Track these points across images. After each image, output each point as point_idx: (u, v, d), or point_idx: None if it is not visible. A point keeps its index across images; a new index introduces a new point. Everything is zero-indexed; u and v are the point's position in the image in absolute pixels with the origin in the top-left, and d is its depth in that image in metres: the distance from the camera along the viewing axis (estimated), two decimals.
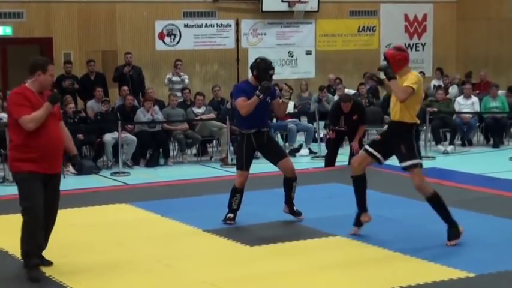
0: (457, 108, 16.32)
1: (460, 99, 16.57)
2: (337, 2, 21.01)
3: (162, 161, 14.21)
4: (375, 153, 7.74)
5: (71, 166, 12.09)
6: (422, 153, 8.59)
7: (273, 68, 8.50)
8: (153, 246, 7.76)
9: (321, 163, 13.23)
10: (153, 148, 14.22)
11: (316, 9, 20.39)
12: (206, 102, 15.59)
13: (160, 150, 14.26)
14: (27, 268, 6.65)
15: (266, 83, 8.24)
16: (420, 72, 11.89)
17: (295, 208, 8.71)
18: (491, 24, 21.37)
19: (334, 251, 7.54)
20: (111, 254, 7.50)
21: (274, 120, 15.14)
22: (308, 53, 20.81)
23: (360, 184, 7.85)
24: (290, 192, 8.64)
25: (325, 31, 20.90)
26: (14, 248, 7.39)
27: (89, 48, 18.27)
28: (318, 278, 6.66)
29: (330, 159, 12.65)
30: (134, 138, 13.90)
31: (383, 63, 7.71)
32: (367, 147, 7.87)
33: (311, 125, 16.06)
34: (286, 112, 11.04)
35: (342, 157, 12.86)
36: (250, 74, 8.73)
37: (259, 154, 8.69)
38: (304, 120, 16.92)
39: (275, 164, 8.64)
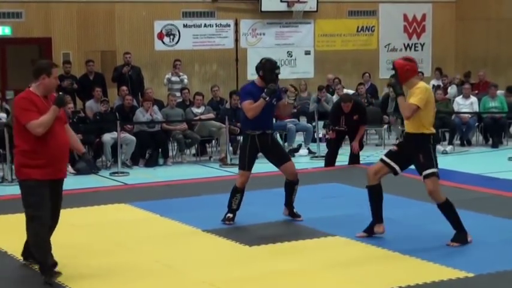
0: (456, 108, 16.32)
1: (459, 99, 16.58)
2: (336, 2, 21.02)
3: (161, 161, 14.21)
4: (392, 163, 7.70)
5: (70, 166, 12.07)
6: None
7: (278, 68, 8.52)
8: (152, 246, 7.76)
9: (320, 163, 13.22)
10: (152, 148, 14.22)
11: (315, 9, 20.41)
12: (205, 102, 15.59)
13: (160, 150, 14.26)
14: (45, 275, 6.56)
15: (272, 86, 8.24)
16: (419, 72, 11.87)
17: (294, 210, 8.71)
18: (490, 24, 21.38)
19: (333, 250, 7.53)
20: (110, 254, 7.49)
21: (274, 120, 15.12)
22: (307, 53, 20.82)
23: (375, 194, 7.78)
24: (291, 195, 8.65)
25: (324, 31, 20.91)
26: (13, 248, 7.40)
27: (88, 48, 18.28)
28: (317, 278, 6.66)
29: (330, 159, 12.65)
30: (133, 138, 13.89)
31: (392, 79, 7.70)
32: (383, 157, 7.82)
33: (310, 125, 16.05)
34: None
35: (342, 157, 12.86)
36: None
37: (259, 154, 8.68)
38: (303, 120, 16.93)
39: (278, 166, 8.64)
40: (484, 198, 9.83)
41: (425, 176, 7.47)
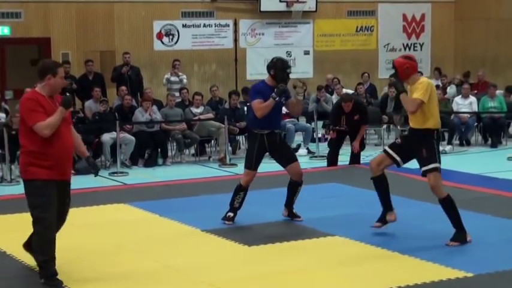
0: (455, 108, 16.33)
1: (458, 99, 16.59)
2: (335, 2, 21.01)
3: (160, 161, 14.21)
4: (395, 155, 7.75)
5: None
6: None
7: (290, 67, 8.53)
8: (151, 246, 7.76)
9: (319, 163, 13.22)
10: (151, 148, 14.22)
11: (314, 9, 20.40)
12: (204, 102, 15.59)
13: (159, 150, 14.27)
14: (45, 278, 6.46)
15: (282, 86, 8.25)
16: (418, 72, 11.86)
17: (294, 211, 8.71)
18: (490, 24, 21.38)
19: (333, 250, 7.54)
20: (109, 254, 7.49)
21: None
22: (306, 53, 20.81)
23: (381, 184, 7.86)
24: (293, 196, 8.66)
25: (323, 31, 20.90)
26: (13, 248, 7.40)
27: (87, 48, 18.26)
28: (317, 278, 6.66)
29: (332, 159, 12.65)
30: (132, 138, 13.89)
31: (393, 79, 7.74)
32: (387, 148, 7.88)
33: (309, 124, 16.05)
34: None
35: (342, 157, 12.86)
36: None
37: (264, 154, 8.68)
38: (302, 120, 16.92)
39: (284, 166, 8.63)
40: (483, 198, 9.83)
41: (428, 171, 7.50)
